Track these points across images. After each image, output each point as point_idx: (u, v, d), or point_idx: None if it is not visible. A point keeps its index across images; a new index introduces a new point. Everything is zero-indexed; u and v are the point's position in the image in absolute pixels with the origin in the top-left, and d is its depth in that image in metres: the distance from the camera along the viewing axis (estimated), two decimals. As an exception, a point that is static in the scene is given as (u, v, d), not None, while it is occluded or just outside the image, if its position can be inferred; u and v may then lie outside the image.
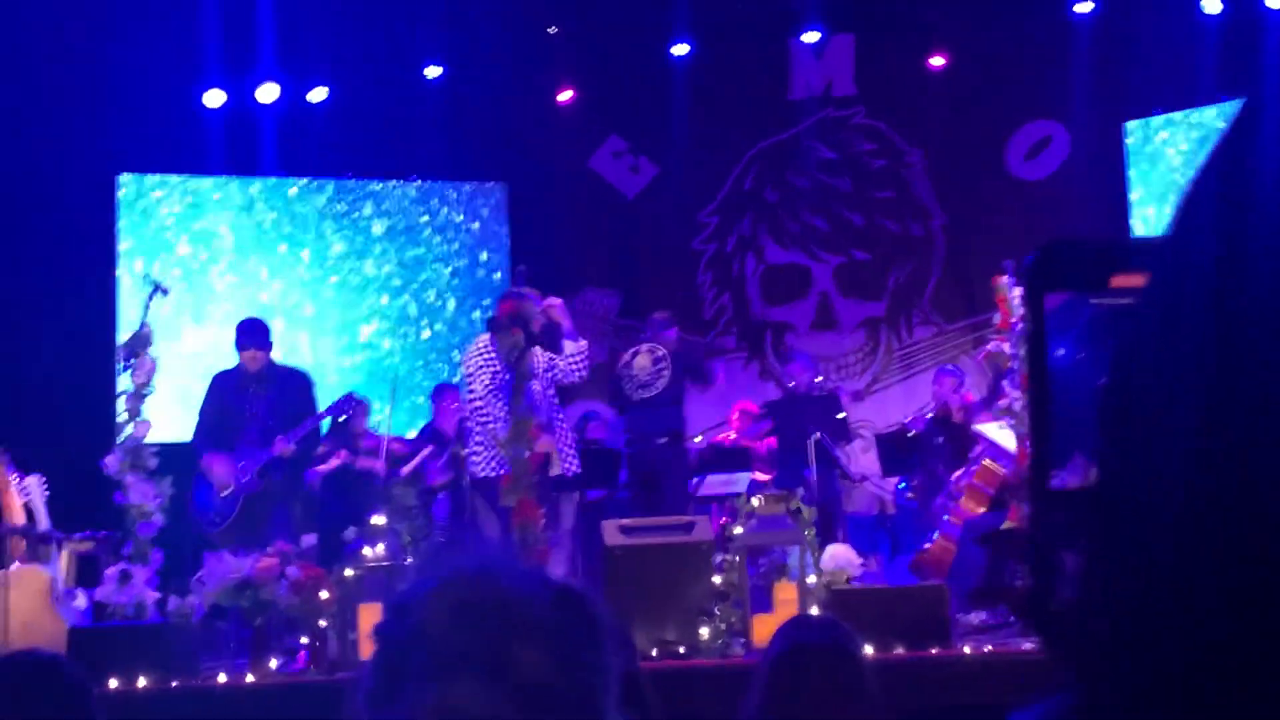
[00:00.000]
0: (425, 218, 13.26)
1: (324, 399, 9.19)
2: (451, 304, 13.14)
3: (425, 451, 10.52)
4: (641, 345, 10.36)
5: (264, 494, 8.64)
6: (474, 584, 1.38)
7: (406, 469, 10.40)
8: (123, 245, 12.34)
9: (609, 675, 1.40)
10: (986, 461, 8.31)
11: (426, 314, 13.14)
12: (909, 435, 10.78)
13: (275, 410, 8.75)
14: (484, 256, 13.29)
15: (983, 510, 8.26)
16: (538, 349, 8.11)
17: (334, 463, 10.37)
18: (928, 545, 8.72)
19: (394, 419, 10.77)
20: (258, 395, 8.79)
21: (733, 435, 11.71)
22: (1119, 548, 0.81)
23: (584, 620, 1.39)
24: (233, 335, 9.12)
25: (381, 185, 13.16)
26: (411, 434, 11.12)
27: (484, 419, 8.33)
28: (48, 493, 8.43)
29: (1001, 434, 8.13)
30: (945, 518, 8.56)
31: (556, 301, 8.35)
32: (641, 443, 10.14)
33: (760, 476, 10.76)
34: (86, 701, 2.92)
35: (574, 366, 8.40)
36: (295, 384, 9.02)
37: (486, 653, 1.33)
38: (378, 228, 13.11)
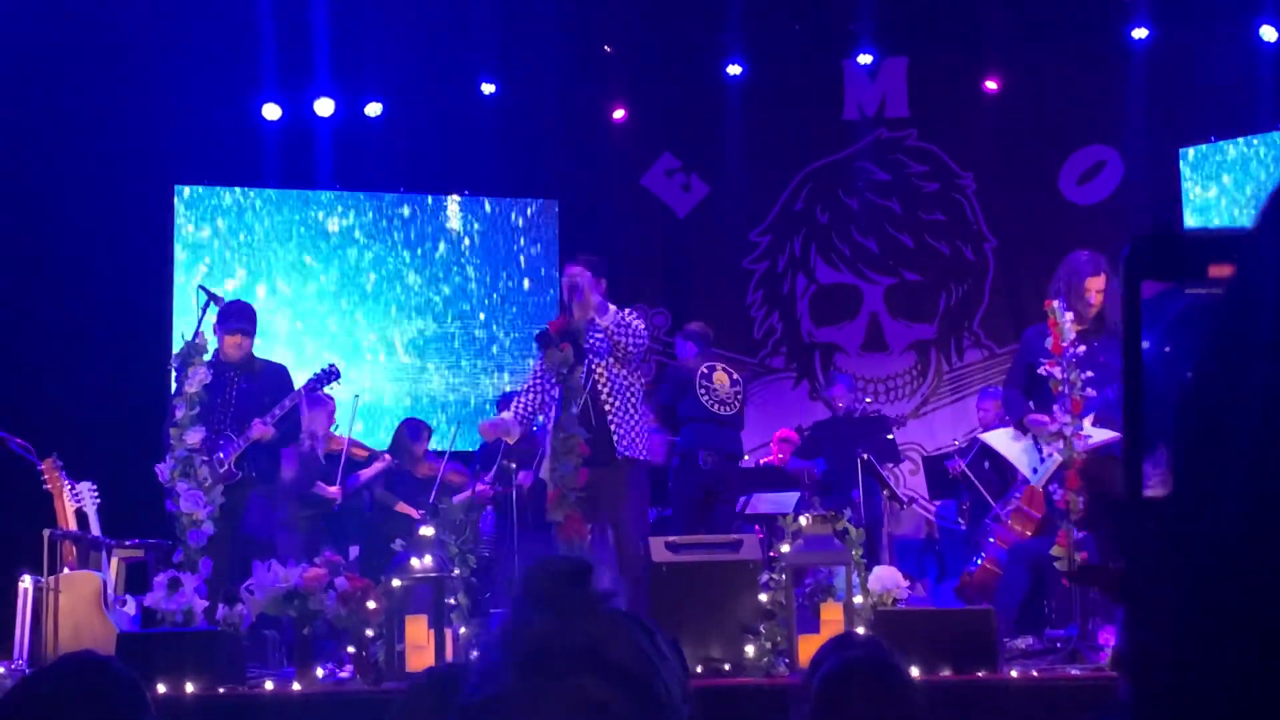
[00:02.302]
0: (477, 234, 13.29)
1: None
2: (499, 323, 13.17)
3: (476, 485, 10.49)
4: (716, 363, 10.34)
5: (242, 484, 8.36)
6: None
7: (459, 498, 10.40)
8: (179, 256, 12.44)
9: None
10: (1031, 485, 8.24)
11: (472, 338, 13.17)
12: (948, 476, 10.72)
13: (252, 400, 8.47)
14: (539, 270, 13.32)
15: (1029, 534, 8.19)
16: (612, 309, 7.88)
17: (378, 466, 10.42)
18: (973, 569, 8.66)
19: (443, 442, 10.90)
20: (235, 384, 8.50)
21: (779, 457, 11.70)
22: (1189, 563, 0.79)
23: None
24: (258, 338, 8.84)
25: (435, 199, 13.22)
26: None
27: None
28: (99, 499, 8.49)
29: (1010, 446, 8.06)
30: (990, 540, 8.49)
31: (585, 276, 8.09)
32: (697, 460, 10.07)
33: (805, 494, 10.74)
34: (141, 702, 2.93)
35: (627, 333, 8.01)
36: (273, 376, 8.71)
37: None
38: (434, 244, 13.16)
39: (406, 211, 13.16)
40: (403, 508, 10.32)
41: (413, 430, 10.86)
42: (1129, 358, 0.95)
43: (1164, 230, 0.94)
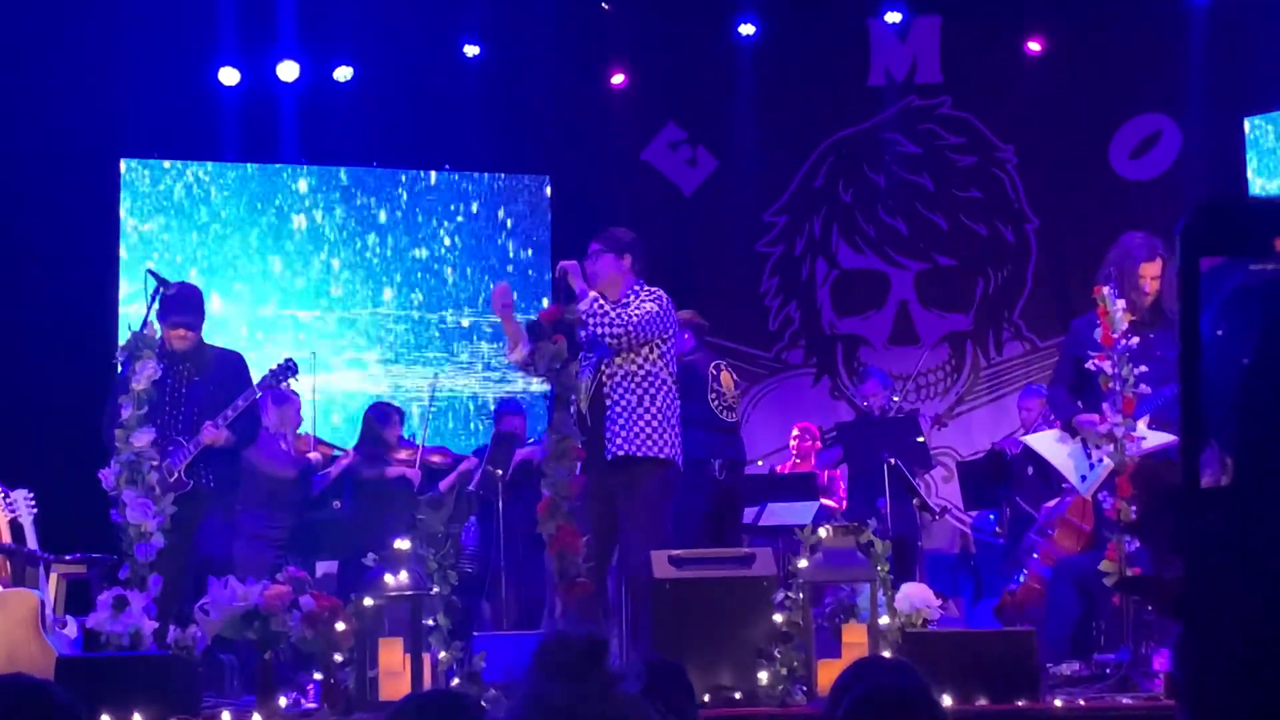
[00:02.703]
0: (459, 213, 13.30)
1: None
2: (483, 311, 13.18)
3: (466, 464, 10.61)
4: (720, 361, 10.33)
5: (193, 495, 8.22)
6: None
7: (445, 482, 10.49)
8: (125, 239, 12.43)
9: None
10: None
11: (453, 327, 13.17)
12: (1004, 457, 10.70)
13: (205, 396, 8.34)
14: (526, 254, 13.33)
15: (1079, 548, 8.19)
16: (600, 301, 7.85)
17: (343, 462, 10.42)
18: (1014, 587, 8.66)
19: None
20: (185, 378, 8.38)
21: (796, 460, 11.70)
22: (1255, 557, 0.79)
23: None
24: (211, 326, 8.81)
25: (409, 175, 13.22)
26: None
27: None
28: (36, 509, 8.48)
29: (1056, 450, 8.03)
30: (1034, 555, 8.49)
31: (570, 264, 8.10)
32: (709, 470, 10.08)
33: (829, 504, 10.75)
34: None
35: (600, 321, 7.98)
36: (227, 367, 8.55)
37: None
38: (410, 223, 13.17)
39: (380, 187, 13.16)
40: (395, 470, 10.41)
41: (380, 415, 10.84)
42: (1186, 340, 0.95)
43: (1225, 199, 0.94)
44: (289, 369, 8.73)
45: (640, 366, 7.87)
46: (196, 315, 8.51)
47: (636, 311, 7.85)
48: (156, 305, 8.23)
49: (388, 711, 2.90)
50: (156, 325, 8.13)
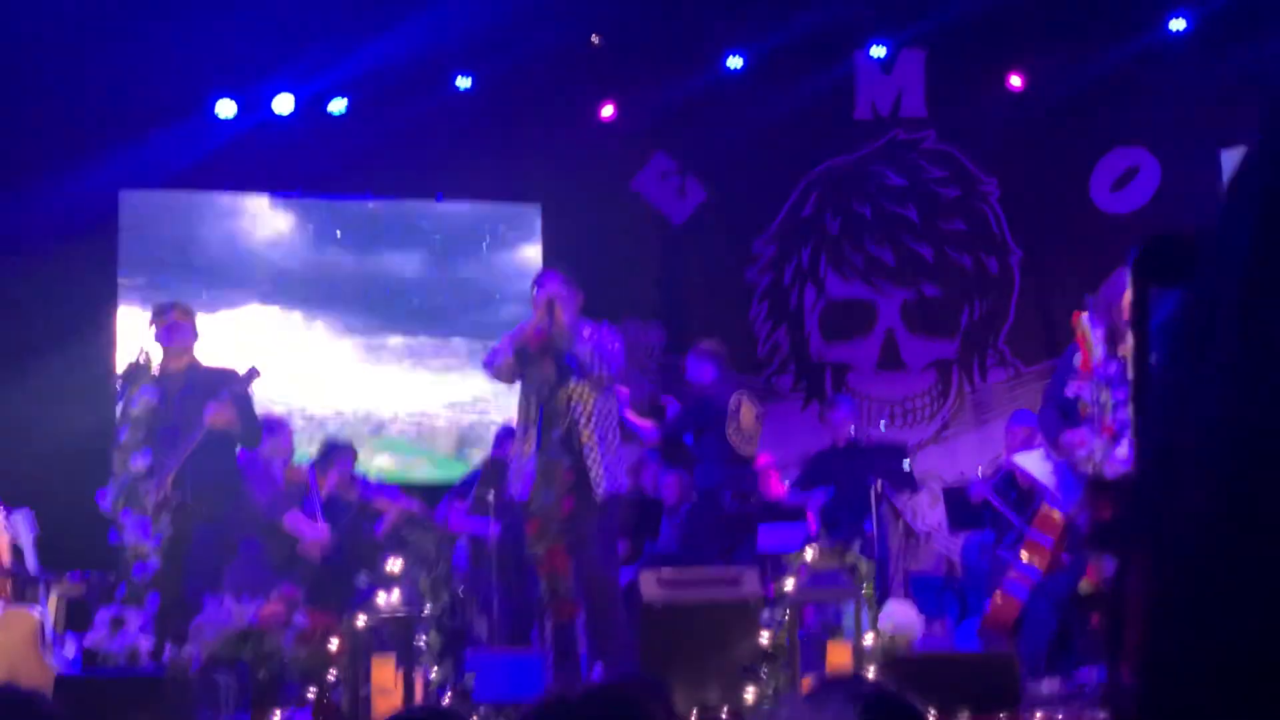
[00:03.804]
0: (451, 241, 13.35)
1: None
2: (475, 339, 13.22)
3: (397, 507, 10.44)
4: (743, 394, 10.36)
5: (185, 511, 8.13)
6: None
7: (382, 528, 10.34)
8: (123, 267, 12.48)
9: None
10: (1044, 508, 8.26)
11: (445, 355, 13.22)
12: (970, 502, 10.73)
13: (191, 411, 8.23)
14: (516, 282, 13.37)
15: (1045, 566, 8.24)
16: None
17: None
18: (989, 606, 8.72)
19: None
20: (173, 397, 8.31)
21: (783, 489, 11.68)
22: (1155, 545, 0.86)
23: None
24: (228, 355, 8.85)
25: (403, 204, 13.27)
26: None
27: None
28: (36, 530, 8.52)
29: (1041, 466, 8.10)
30: (1009, 574, 8.56)
31: (557, 294, 8.13)
32: (721, 502, 10.11)
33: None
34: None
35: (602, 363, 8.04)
36: (216, 382, 8.39)
37: None
38: (403, 251, 13.22)
39: (373, 217, 13.21)
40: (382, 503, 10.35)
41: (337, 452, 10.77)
42: (1138, 370, 1.01)
43: (1173, 233, 1.01)
44: (253, 375, 8.48)
45: (608, 404, 7.99)
46: (186, 335, 8.54)
47: (615, 349, 7.97)
48: (152, 330, 8.30)
49: None
50: (153, 351, 8.20)
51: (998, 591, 8.54)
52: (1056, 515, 8.01)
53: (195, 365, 8.59)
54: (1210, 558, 0.82)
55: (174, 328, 8.45)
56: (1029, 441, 10.52)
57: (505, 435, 11.13)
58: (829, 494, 10.84)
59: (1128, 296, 7.43)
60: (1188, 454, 0.84)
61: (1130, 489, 0.91)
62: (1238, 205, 0.86)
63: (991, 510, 10.41)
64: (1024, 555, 8.34)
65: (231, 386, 8.31)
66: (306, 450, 11.07)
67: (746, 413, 10.18)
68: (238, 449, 8.66)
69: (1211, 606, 0.81)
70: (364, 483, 10.63)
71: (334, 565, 9.65)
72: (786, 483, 11.44)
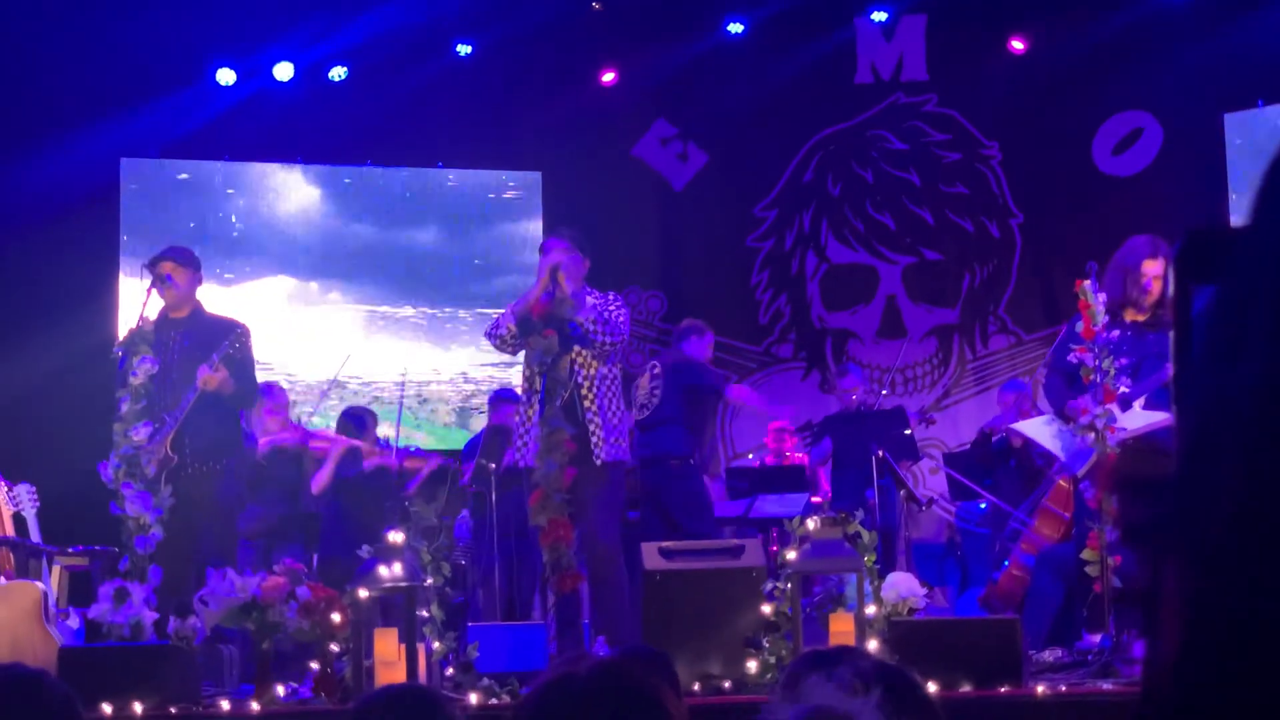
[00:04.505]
0: (452, 209, 13.31)
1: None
2: (476, 308, 13.20)
3: (432, 465, 10.61)
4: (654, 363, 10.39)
5: (186, 474, 7.98)
6: None
7: (413, 484, 10.47)
8: (125, 236, 12.45)
9: None
10: (1062, 481, 8.27)
11: (445, 322, 13.19)
12: (991, 439, 10.70)
13: (194, 361, 8.02)
14: (517, 250, 13.34)
15: (1059, 537, 8.23)
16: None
17: (286, 439, 10.33)
18: (998, 576, 8.70)
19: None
20: (171, 346, 8.13)
21: (781, 457, 11.68)
22: (1192, 543, 0.83)
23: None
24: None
25: (404, 172, 13.23)
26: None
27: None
28: (38, 503, 8.51)
29: (1044, 431, 8.06)
30: (1017, 544, 8.53)
31: (562, 260, 8.06)
32: (652, 465, 10.05)
33: (815, 501, 10.75)
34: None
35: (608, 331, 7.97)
36: (222, 331, 8.18)
37: None
38: (404, 219, 13.19)
39: (373, 184, 13.17)
40: (371, 462, 10.40)
41: (356, 421, 10.82)
42: (1179, 368, 0.98)
43: (1216, 227, 0.97)
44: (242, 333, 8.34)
45: (611, 371, 7.94)
46: (186, 260, 8.39)
47: (620, 319, 7.90)
48: (154, 297, 8.25)
49: (356, 700, 2.92)
50: (152, 309, 8.15)
51: (1008, 563, 8.52)
52: (1066, 484, 7.98)
53: (199, 313, 8.41)
54: (1244, 555, 0.80)
55: (169, 278, 8.24)
56: (1018, 406, 10.55)
57: (498, 399, 11.09)
58: (823, 451, 10.89)
59: (1147, 266, 7.41)
60: (1223, 452, 0.82)
61: (1167, 486, 0.88)
62: (1272, 204, 0.83)
63: (989, 475, 10.42)
64: (1039, 528, 8.32)
65: (228, 342, 8.13)
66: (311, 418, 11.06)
67: (643, 378, 10.12)
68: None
69: (1248, 605, 0.79)
70: (384, 445, 10.70)
71: (340, 536, 9.68)
72: (800, 451, 11.49)
